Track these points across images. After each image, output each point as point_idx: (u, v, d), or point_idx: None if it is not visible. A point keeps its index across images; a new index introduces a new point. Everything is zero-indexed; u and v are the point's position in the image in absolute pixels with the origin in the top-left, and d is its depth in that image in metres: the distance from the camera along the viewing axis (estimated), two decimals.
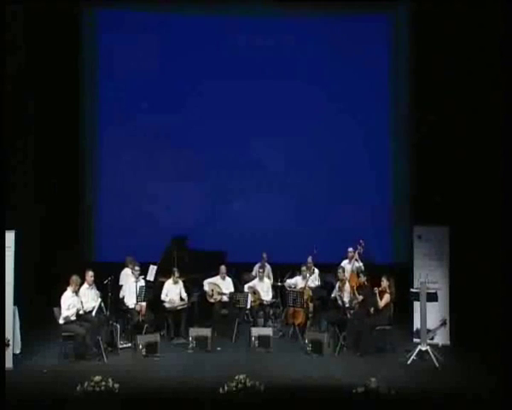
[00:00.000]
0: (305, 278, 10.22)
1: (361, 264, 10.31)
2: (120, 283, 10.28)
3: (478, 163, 10.38)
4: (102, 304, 9.06)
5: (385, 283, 9.19)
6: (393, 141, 12.51)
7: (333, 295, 9.82)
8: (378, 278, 9.34)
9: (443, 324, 9.67)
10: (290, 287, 10.28)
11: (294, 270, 10.60)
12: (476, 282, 9.78)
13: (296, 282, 10.38)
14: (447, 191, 11.05)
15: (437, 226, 9.89)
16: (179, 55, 12.51)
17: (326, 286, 10.36)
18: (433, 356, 8.68)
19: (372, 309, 9.22)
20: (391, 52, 12.51)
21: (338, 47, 12.40)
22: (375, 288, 9.23)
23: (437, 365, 8.58)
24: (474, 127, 10.43)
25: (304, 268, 10.28)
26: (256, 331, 9.48)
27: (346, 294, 9.67)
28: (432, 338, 9.47)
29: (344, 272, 9.91)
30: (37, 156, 11.47)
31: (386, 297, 9.17)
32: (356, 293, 9.60)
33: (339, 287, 9.74)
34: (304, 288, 10.05)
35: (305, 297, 9.85)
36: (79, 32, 12.25)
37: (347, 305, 9.58)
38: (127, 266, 10.27)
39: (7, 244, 8.26)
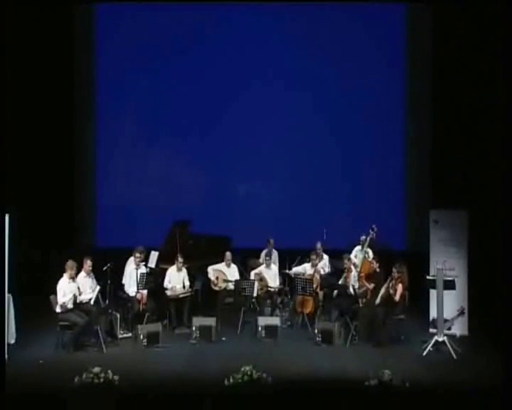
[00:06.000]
0: (314, 265, 10.19)
1: (369, 250, 10.21)
2: (125, 270, 10.27)
3: (499, 144, 10.27)
4: (100, 296, 9.06)
5: (396, 274, 9.14)
6: (410, 121, 12.47)
7: (340, 282, 9.80)
8: (392, 264, 9.30)
9: (461, 313, 9.64)
10: (297, 275, 10.23)
11: (303, 256, 10.56)
12: (496, 269, 9.71)
13: (305, 269, 10.33)
14: (466, 173, 10.97)
15: (455, 210, 9.84)
16: (181, 37, 12.50)
17: (336, 273, 10.33)
18: (450, 347, 8.67)
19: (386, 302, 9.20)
20: (408, 34, 12.46)
21: (353, 31, 12.39)
22: (386, 285, 9.16)
23: (454, 356, 8.57)
24: (493, 108, 10.34)
25: (314, 256, 10.25)
26: (263, 321, 9.47)
27: (352, 282, 9.64)
28: (449, 328, 9.44)
29: (350, 260, 9.86)
30: (33, 141, 11.50)
31: (400, 288, 9.12)
32: (365, 281, 9.56)
33: (344, 277, 9.71)
34: (312, 275, 10.03)
35: (315, 285, 9.83)
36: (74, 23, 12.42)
37: (358, 293, 9.55)
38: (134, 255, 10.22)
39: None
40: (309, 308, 9.86)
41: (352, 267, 9.83)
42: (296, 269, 10.45)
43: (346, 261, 9.79)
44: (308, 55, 12.44)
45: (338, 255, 10.44)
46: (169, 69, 12.56)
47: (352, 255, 10.25)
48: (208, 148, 12.56)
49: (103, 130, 12.64)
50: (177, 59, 12.51)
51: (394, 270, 9.16)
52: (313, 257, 10.24)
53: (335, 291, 9.88)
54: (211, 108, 12.53)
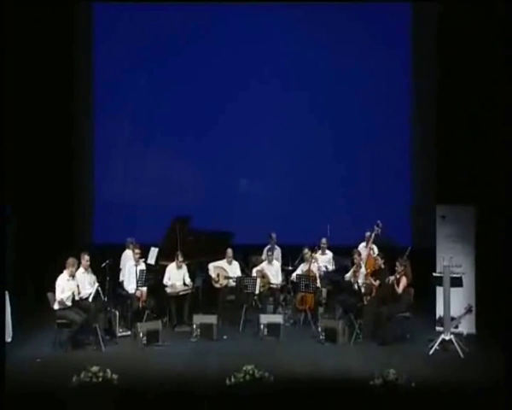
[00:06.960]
0: (307, 260, 10.15)
1: (374, 246, 10.18)
2: (121, 266, 10.27)
3: (505, 139, 10.25)
4: (100, 289, 9.03)
5: (399, 268, 9.11)
6: (415, 118, 12.49)
7: (346, 278, 9.75)
8: (396, 260, 9.27)
9: (468, 311, 9.60)
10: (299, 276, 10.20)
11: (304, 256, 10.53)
12: (504, 265, 9.66)
13: (302, 271, 10.29)
14: (473, 168, 10.92)
15: (462, 205, 9.78)
16: (178, 36, 12.55)
17: (340, 270, 10.29)
18: (457, 346, 8.63)
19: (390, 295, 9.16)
20: (413, 33, 12.50)
21: (357, 30, 12.41)
22: (391, 278, 9.14)
23: (461, 355, 8.53)
24: (498, 105, 10.31)
25: (305, 250, 10.20)
26: (265, 319, 9.45)
27: (360, 279, 9.60)
28: (456, 327, 9.40)
29: (359, 256, 9.82)
30: (32, 139, 11.51)
31: (403, 281, 9.10)
32: (371, 278, 9.53)
33: (353, 271, 9.67)
34: (309, 270, 9.99)
35: (315, 280, 9.79)
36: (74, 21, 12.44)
37: (363, 290, 9.52)
38: (128, 248, 10.23)
39: None
40: (308, 303, 9.84)
41: (362, 263, 9.80)
42: (296, 273, 10.42)
43: (356, 256, 9.74)
44: (309, 54, 12.48)
45: (342, 252, 10.43)
46: (167, 69, 12.60)
47: None
48: (208, 145, 12.60)
49: (101, 128, 12.67)
50: (175, 58, 12.57)
51: (397, 264, 9.15)
52: (305, 251, 10.20)
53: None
54: (209, 106, 12.58)
